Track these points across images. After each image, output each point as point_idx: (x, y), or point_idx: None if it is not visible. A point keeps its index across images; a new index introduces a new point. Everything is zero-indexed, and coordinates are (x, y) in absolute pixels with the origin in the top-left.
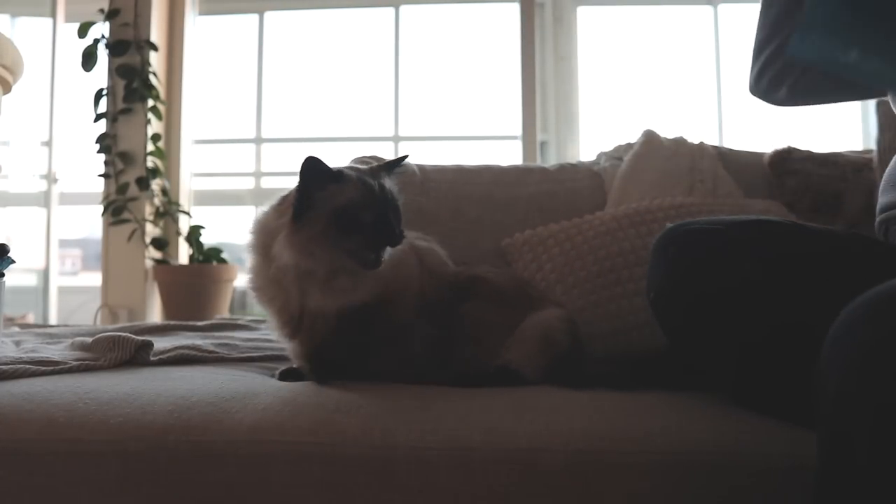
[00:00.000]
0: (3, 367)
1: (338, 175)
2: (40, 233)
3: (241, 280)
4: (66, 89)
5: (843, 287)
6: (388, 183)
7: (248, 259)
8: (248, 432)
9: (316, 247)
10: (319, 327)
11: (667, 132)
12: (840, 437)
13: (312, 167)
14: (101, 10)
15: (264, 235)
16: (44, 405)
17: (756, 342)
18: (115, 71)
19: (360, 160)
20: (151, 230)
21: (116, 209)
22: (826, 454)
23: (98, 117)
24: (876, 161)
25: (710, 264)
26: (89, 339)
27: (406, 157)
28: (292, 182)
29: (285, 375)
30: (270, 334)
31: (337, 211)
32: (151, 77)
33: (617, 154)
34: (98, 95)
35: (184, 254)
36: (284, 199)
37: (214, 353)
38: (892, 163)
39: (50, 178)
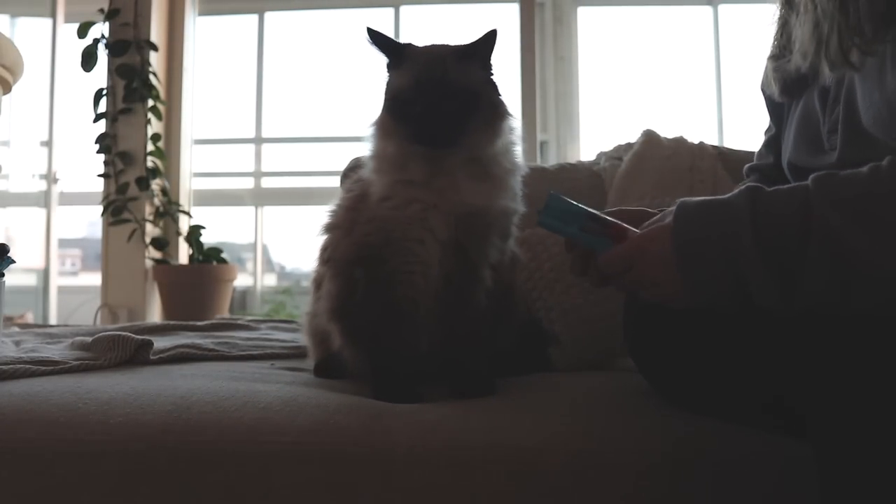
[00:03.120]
0: (3, 367)
1: (402, 57)
2: (40, 233)
3: (242, 280)
4: (66, 89)
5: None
6: (461, 67)
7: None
8: (248, 432)
9: (386, 133)
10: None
11: (667, 132)
12: None
13: (375, 39)
14: (101, 10)
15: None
16: (44, 405)
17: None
18: (114, 71)
19: (361, 160)
20: (151, 230)
21: (116, 209)
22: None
23: (98, 117)
24: None
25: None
26: (89, 339)
27: (495, 31)
28: (292, 182)
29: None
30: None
31: (390, 98)
32: (151, 77)
33: (617, 154)
34: (98, 95)
35: (184, 254)
36: None
37: (214, 352)
38: None
39: (50, 178)
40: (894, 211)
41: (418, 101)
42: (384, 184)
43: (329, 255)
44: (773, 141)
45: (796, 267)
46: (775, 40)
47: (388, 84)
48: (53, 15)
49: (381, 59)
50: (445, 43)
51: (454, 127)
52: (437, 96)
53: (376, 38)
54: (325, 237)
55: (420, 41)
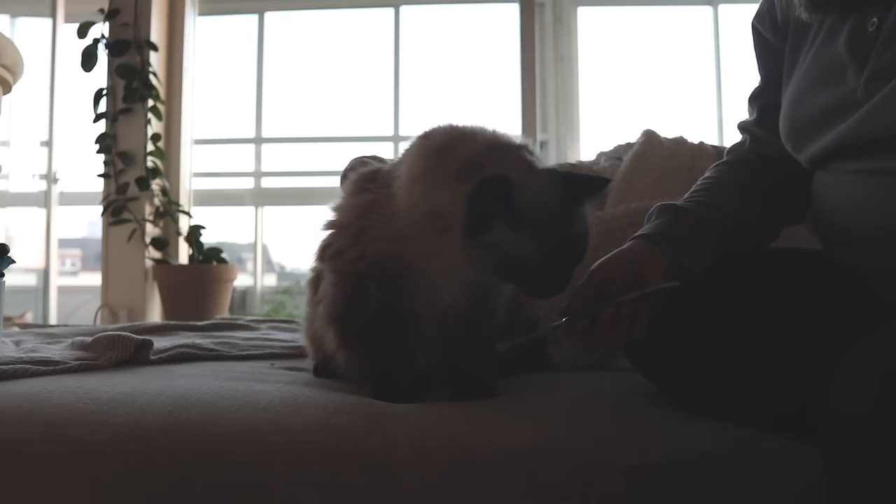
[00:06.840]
0: (3, 367)
1: (520, 219)
2: (40, 233)
3: (242, 280)
4: (66, 89)
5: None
6: (583, 218)
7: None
8: (248, 432)
9: (483, 273)
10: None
11: (667, 132)
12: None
13: (493, 196)
14: (101, 10)
15: (430, 206)
16: (44, 405)
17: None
18: (115, 71)
19: (360, 160)
20: (151, 230)
21: (116, 209)
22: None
23: (98, 117)
24: None
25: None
26: (89, 339)
27: (609, 181)
28: (292, 182)
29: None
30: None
31: (508, 262)
32: (151, 77)
33: (617, 154)
34: (98, 95)
35: (184, 254)
36: (466, 174)
37: (214, 352)
38: None
39: (50, 178)
40: None
41: (550, 271)
42: (415, 220)
43: (331, 257)
44: (764, 92)
45: None
46: None
47: (498, 244)
48: (53, 15)
49: (382, 59)
50: (553, 170)
51: None
52: (570, 266)
53: (491, 201)
54: (327, 234)
55: (420, 41)
